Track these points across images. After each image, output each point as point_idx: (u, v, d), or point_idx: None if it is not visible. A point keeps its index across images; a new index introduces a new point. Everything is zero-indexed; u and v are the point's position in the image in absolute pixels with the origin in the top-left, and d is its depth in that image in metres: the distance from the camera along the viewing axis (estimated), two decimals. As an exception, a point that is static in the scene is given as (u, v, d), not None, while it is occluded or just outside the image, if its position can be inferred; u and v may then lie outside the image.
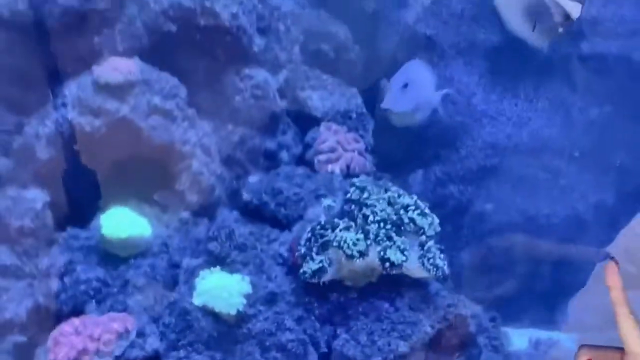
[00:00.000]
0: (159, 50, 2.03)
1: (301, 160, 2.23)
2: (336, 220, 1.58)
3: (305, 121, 2.34)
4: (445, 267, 1.58)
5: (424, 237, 1.63)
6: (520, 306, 2.21)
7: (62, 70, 1.96)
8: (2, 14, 1.89)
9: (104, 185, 1.77)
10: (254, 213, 1.85)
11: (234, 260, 1.66)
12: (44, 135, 1.75)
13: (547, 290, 2.24)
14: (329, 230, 1.55)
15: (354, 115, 2.21)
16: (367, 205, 1.58)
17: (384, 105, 1.88)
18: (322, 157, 1.98)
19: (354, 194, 1.62)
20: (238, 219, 1.80)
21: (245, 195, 1.86)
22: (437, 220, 1.64)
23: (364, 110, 2.29)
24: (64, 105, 1.79)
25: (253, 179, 2.01)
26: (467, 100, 2.45)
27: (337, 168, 1.96)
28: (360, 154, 2.00)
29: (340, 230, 1.55)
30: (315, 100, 2.32)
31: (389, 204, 1.60)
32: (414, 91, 1.89)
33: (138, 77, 1.79)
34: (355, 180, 1.69)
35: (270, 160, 2.13)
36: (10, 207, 1.61)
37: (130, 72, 1.77)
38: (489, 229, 2.34)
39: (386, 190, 1.64)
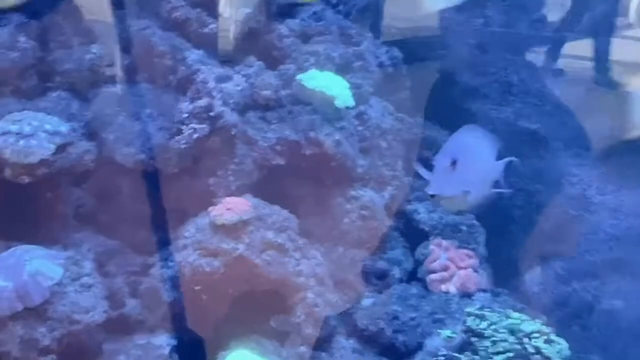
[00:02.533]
0: (267, 183, 2.15)
1: (413, 275, 2.25)
2: (457, 355, 1.57)
3: (413, 234, 2.37)
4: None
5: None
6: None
7: (180, 211, 2.11)
8: (127, 163, 2.06)
9: (224, 322, 1.85)
10: (371, 341, 1.87)
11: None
12: (168, 277, 1.86)
13: None
14: (452, 365, 1.54)
15: (464, 228, 2.22)
16: (487, 337, 1.57)
17: (430, 190, 1.56)
18: (434, 276, 1.99)
19: (472, 323, 1.61)
20: (355, 349, 1.83)
21: (361, 323, 1.89)
22: (566, 345, 1.60)
23: (474, 221, 2.30)
24: (185, 247, 1.90)
25: (367, 302, 2.04)
26: (582, 192, 2.42)
27: (451, 287, 1.96)
28: (474, 270, 2.00)
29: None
30: (422, 213, 2.35)
31: (511, 332, 1.59)
32: (465, 168, 1.55)
33: (251, 214, 1.89)
34: (473, 309, 1.68)
35: (382, 279, 2.16)
36: (141, 356, 1.71)
37: (244, 211, 1.88)
38: (621, 327, 2.24)
39: (507, 316, 1.63)
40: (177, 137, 2.01)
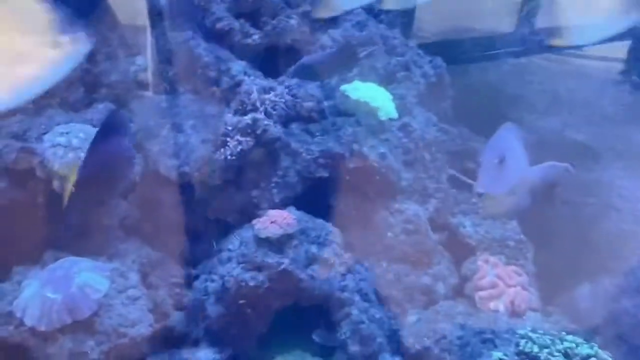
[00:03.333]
0: (310, 196, 2.14)
1: (458, 291, 2.22)
2: (507, 376, 1.54)
3: (458, 248, 2.34)
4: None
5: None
6: None
7: (223, 224, 2.12)
8: (170, 175, 2.08)
9: (267, 337, 1.85)
10: (416, 359, 1.85)
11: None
12: (213, 291, 1.87)
13: None
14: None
15: (511, 244, 2.19)
16: None
17: (478, 187, 1.48)
18: (483, 293, 1.96)
19: (526, 347, 1.58)
20: (401, 367, 1.81)
21: (407, 341, 1.86)
22: (620, 370, 1.56)
23: (522, 236, 2.26)
24: (229, 259, 1.90)
25: (412, 318, 2.02)
26: (633, 206, 2.36)
27: (500, 306, 1.93)
28: (523, 288, 1.96)
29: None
30: (469, 227, 2.32)
31: (566, 356, 1.55)
32: (512, 166, 1.48)
33: (296, 228, 1.89)
34: (525, 331, 1.65)
35: (427, 295, 2.14)
36: (186, 369, 1.72)
37: (288, 224, 1.88)
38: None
39: (561, 339, 1.59)
40: (221, 150, 2.01)
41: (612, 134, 2.71)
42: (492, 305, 1.92)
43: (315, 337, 1.94)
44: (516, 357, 1.58)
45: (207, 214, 2.12)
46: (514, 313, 1.91)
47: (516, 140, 1.58)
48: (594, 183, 2.50)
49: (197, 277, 2.01)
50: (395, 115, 2.29)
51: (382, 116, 2.28)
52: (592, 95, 2.90)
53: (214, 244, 2.10)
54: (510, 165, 1.47)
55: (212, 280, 1.92)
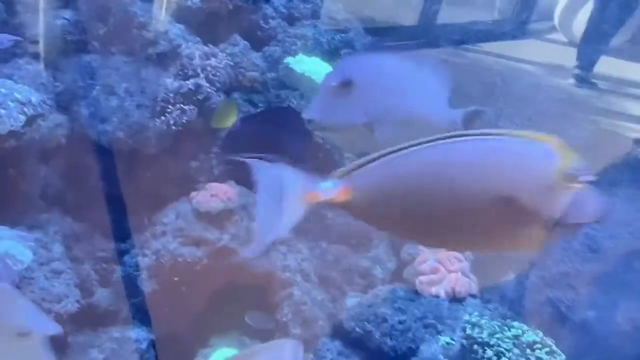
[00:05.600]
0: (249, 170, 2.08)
1: (395, 276, 2.23)
2: None
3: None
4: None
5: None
6: None
7: (156, 196, 2.03)
8: (102, 141, 1.97)
9: (203, 317, 1.79)
10: (357, 343, 1.84)
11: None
12: (145, 266, 1.78)
13: None
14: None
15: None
16: (490, 346, 1.55)
17: (304, 113, 1.27)
18: (424, 278, 1.97)
19: (474, 332, 1.59)
20: (341, 352, 1.79)
21: (347, 324, 1.85)
22: (563, 357, 1.60)
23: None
24: (164, 234, 1.82)
25: (351, 301, 2.00)
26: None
27: (441, 291, 1.94)
28: (464, 274, 1.98)
29: (462, 371, 1.52)
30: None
31: (515, 342, 1.58)
32: (371, 93, 1.19)
33: (237, 203, 1.83)
34: (472, 316, 1.66)
35: (365, 279, 2.13)
36: (116, 350, 1.63)
37: (229, 198, 1.82)
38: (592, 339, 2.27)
39: (508, 326, 1.61)
40: (162, 118, 1.92)
41: (545, 128, 2.77)
42: (433, 290, 1.93)
43: (247, 320, 1.89)
44: (464, 341, 1.59)
45: (139, 185, 2.02)
46: (455, 299, 1.92)
47: (415, 66, 1.25)
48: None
49: (125, 252, 1.91)
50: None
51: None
52: (528, 89, 2.98)
53: (145, 217, 2.01)
54: (364, 92, 1.18)
55: (144, 255, 1.83)
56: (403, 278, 2.12)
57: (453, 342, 1.61)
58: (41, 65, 2.06)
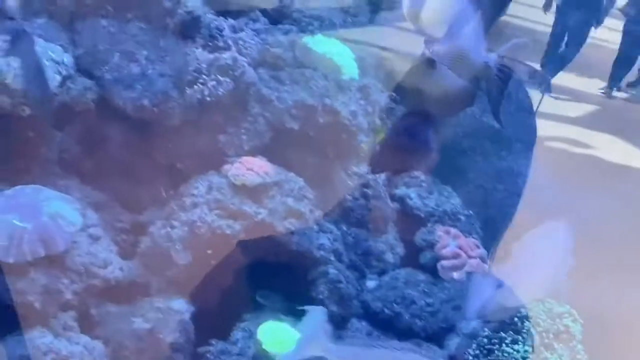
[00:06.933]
0: (275, 147, 2.12)
1: (406, 262, 2.31)
2: (502, 334, 1.65)
3: (404, 219, 2.43)
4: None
5: (574, 342, 1.73)
6: None
7: (179, 168, 2.03)
8: (126, 108, 1.95)
9: (240, 292, 1.81)
10: (385, 324, 1.90)
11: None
12: (178, 238, 1.79)
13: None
14: (497, 345, 1.62)
15: (462, 218, 2.31)
16: (528, 318, 1.66)
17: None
18: (446, 263, 2.05)
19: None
20: (371, 332, 1.85)
21: (375, 305, 1.91)
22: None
23: (470, 211, 2.40)
24: (196, 205, 1.83)
25: (371, 284, 2.07)
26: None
27: (462, 276, 2.03)
28: (483, 260, 2.09)
29: (508, 345, 1.62)
30: (415, 199, 2.42)
31: (549, 313, 1.69)
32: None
33: (273, 177, 1.86)
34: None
35: (381, 262, 2.20)
36: (160, 319, 1.63)
37: (266, 173, 1.85)
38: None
39: (540, 302, 1.73)
40: (194, 88, 1.92)
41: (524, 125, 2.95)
42: (455, 275, 2.02)
43: (259, 298, 1.93)
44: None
45: (161, 156, 2.01)
46: (475, 283, 2.02)
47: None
48: (504, 171, 2.70)
49: (147, 223, 1.90)
50: (356, 75, 2.31)
51: (345, 75, 2.29)
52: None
53: (163, 190, 2.01)
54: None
55: (173, 227, 1.83)
56: (419, 263, 2.20)
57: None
58: (59, 26, 2.02)
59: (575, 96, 4.65)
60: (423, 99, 1.78)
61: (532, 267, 1.78)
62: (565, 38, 4.43)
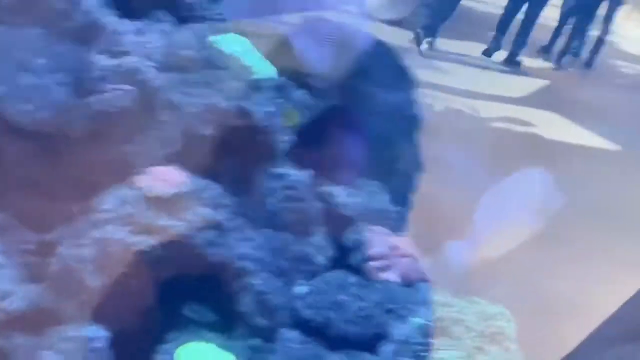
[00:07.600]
0: (188, 154, 2.04)
1: (337, 264, 2.26)
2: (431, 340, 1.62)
3: (332, 220, 2.38)
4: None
5: (507, 343, 1.72)
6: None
7: (85, 182, 1.92)
8: (22, 124, 1.84)
9: (161, 311, 1.72)
10: (317, 332, 1.85)
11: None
12: (89, 258, 1.69)
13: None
14: (430, 352, 1.59)
15: (393, 215, 2.28)
16: (461, 321, 1.64)
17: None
18: (375, 263, 2.01)
19: (443, 310, 1.67)
20: (303, 341, 1.80)
21: (305, 312, 1.86)
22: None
23: (402, 209, 2.37)
24: (107, 222, 1.74)
25: (301, 289, 2.02)
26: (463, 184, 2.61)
27: (393, 276, 2.00)
28: (414, 259, 2.06)
29: (441, 350, 1.60)
30: (342, 197, 2.37)
31: (482, 315, 1.67)
32: None
33: (188, 187, 1.78)
34: (440, 297, 1.74)
35: (310, 266, 2.15)
36: (72, 350, 1.53)
37: (180, 182, 1.77)
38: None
39: (471, 303, 1.71)
40: (94, 97, 1.82)
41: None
42: (384, 275, 1.98)
43: (187, 312, 1.85)
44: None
45: (65, 170, 1.90)
46: (406, 284, 1.99)
47: None
48: (432, 159, 2.71)
49: (58, 243, 1.79)
50: (273, 74, 2.26)
51: (258, 75, 2.24)
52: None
53: (71, 206, 1.90)
54: None
55: (83, 246, 1.73)
56: (350, 265, 2.15)
57: (429, 322, 1.68)
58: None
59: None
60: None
61: (508, 212, 1.75)
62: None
